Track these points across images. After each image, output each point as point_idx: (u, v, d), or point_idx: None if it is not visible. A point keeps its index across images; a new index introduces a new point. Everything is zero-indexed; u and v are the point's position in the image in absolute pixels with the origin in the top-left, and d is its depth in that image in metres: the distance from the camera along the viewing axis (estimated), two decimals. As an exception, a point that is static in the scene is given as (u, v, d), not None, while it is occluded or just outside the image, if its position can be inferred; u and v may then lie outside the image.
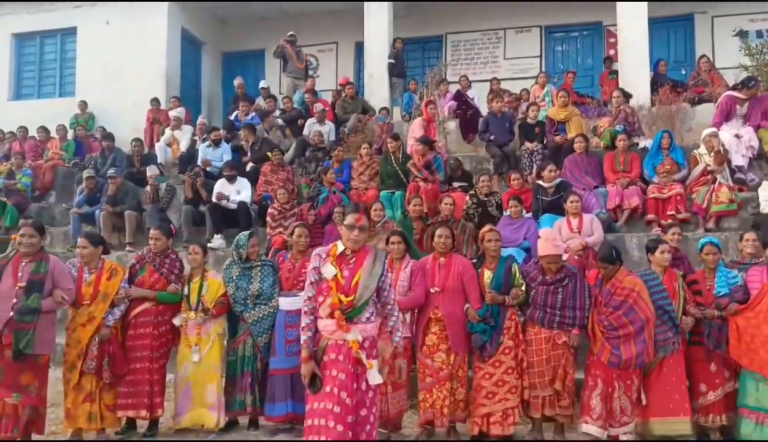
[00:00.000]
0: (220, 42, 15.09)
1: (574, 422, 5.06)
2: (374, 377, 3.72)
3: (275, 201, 8.30)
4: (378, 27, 12.06)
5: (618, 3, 10.88)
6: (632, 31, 10.76)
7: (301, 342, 3.81)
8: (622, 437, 4.85)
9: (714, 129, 7.93)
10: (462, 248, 6.63)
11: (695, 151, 7.95)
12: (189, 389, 5.35)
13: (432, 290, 5.07)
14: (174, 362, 5.56)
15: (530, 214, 7.54)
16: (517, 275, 5.15)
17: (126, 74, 12.96)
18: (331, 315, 3.71)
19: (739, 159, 7.88)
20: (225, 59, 15.33)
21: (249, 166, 9.83)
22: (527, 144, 8.99)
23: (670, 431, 4.89)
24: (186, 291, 5.46)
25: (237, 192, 8.85)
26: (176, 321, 5.40)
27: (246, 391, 5.39)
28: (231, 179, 8.92)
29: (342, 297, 3.71)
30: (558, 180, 7.60)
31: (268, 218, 8.10)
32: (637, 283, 4.85)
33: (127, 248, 8.85)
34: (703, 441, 5.04)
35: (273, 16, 14.18)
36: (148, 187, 9.24)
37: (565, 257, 6.56)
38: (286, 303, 5.40)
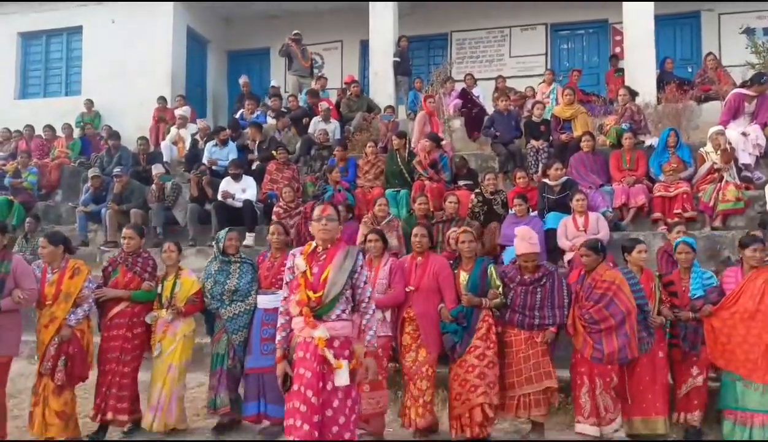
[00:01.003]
0: (226, 41, 15.12)
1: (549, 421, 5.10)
2: (340, 378, 3.59)
3: (281, 199, 8.31)
4: (383, 25, 12.06)
5: (624, 1, 10.83)
6: (638, 29, 10.72)
7: (276, 342, 3.79)
8: (613, 436, 4.80)
9: (720, 127, 7.90)
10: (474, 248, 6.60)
11: (702, 149, 7.92)
12: (150, 389, 5.29)
13: (407, 289, 5.06)
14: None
15: (536, 212, 7.52)
16: (494, 276, 5.08)
17: (131, 73, 13.01)
18: (301, 312, 3.64)
19: (745, 157, 7.84)
20: (230, 58, 15.37)
21: (255, 164, 9.84)
22: (533, 142, 8.96)
23: (644, 429, 4.92)
24: (159, 289, 5.39)
25: (242, 190, 8.86)
26: (147, 319, 5.32)
27: (218, 390, 5.31)
28: (236, 178, 8.93)
29: (310, 293, 3.64)
30: (564, 178, 7.58)
31: (273, 217, 8.10)
32: (617, 276, 4.85)
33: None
34: (684, 441, 5.04)
35: (278, 15, 14.19)
36: (153, 186, 9.26)
37: (570, 255, 6.58)
38: (263, 301, 5.34)
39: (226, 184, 8.87)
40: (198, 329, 5.61)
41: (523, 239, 5.08)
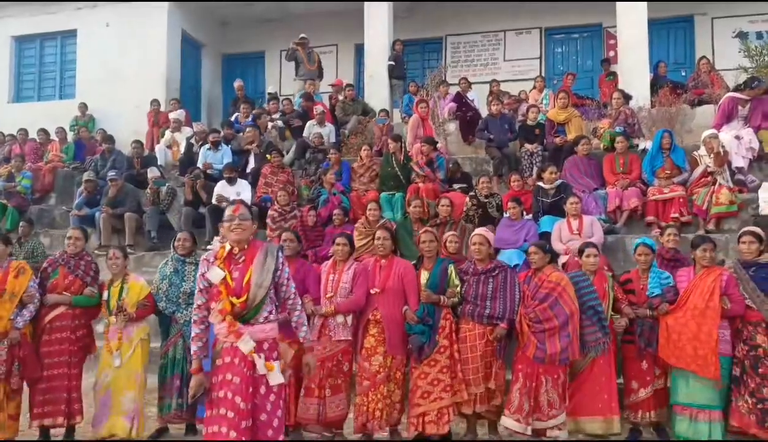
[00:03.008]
0: (220, 44, 15.11)
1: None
2: (275, 378, 3.52)
3: (275, 203, 8.30)
4: (378, 29, 12.06)
5: (618, 3, 10.88)
6: (632, 33, 10.76)
7: (192, 352, 3.63)
8: (550, 433, 4.87)
9: (714, 131, 7.93)
10: (462, 250, 6.62)
11: (695, 152, 7.94)
12: (108, 397, 5.13)
13: (372, 291, 5.07)
14: (95, 368, 5.37)
15: (530, 215, 7.54)
16: (453, 275, 5.18)
17: (126, 76, 12.98)
18: (224, 320, 3.51)
19: (739, 160, 7.86)
20: (225, 61, 15.36)
21: (249, 167, 9.83)
22: (527, 146, 8.98)
23: (600, 429, 4.98)
24: (106, 296, 5.25)
25: (237, 194, 8.82)
26: (99, 327, 5.21)
27: (173, 394, 5.24)
28: (231, 181, 8.92)
29: (234, 300, 3.50)
30: (558, 182, 7.61)
31: (268, 220, 8.10)
32: (563, 278, 4.99)
33: (127, 250, 8.84)
34: (634, 440, 5.14)
35: (273, 19, 14.21)
36: (148, 190, 9.24)
37: (565, 258, 6.60)
38: None
39: (221, 188, 8.86)
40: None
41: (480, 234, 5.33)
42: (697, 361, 4.75)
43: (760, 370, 4.72)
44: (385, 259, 5.22)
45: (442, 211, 7.18)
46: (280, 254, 3.69)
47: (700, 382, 4.78)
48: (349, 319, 5.10)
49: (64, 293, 5.27)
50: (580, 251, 5.39)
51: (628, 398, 5.12)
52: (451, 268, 5.23)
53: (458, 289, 5.15)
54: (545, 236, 7.00)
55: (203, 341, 3.63)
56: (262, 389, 3.50)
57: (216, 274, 3.56)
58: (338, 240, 5.37)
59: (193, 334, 3.65)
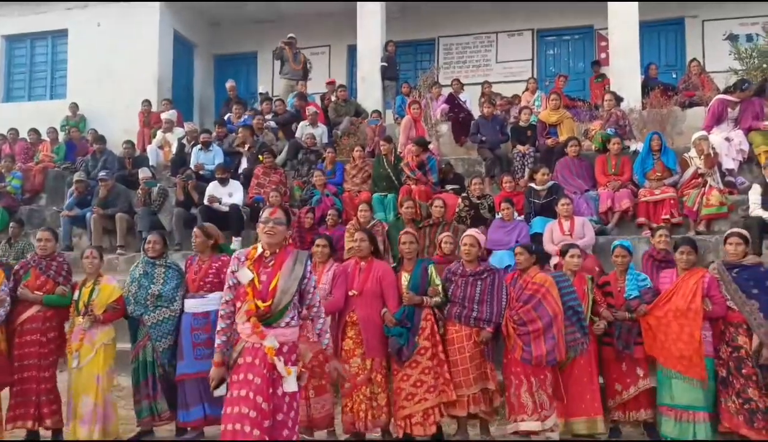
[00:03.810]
0: (213, 44, 15.07)
1: (495, 419, 5.19)
2: (290, 385, 3.58)
3: (267, 204, 8.28)
4: (370, 30, 12.07)
5: (609, 3, 10.93)
6: (623, 35, 10.81)
7: (216, 345, 3.70)
8: (543, 434, 4.87)
9: (704, 132, 7.97)
10: (455, 251, 6.63)
11: (686, 154, 7.99)
12: (71, 400, 5.10)
13: (350, 293, 5.05)
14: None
15: (522, 216, 7.56)
16: (433, 275, 5.17)
17: (118, 76, 12.93)
18: (249, 321, 3.57)
19: (729, 162, 7.91)
20: (217, 62, 15.32)
21: (242, 168, 9.81)
22: (519, 147, 9.01)
23: (585, 429, 5.02)
24: (76, 296, 5.22)
25: (229, 195, 8.83)
26: (67, 327, 5.16)
27: (153, 397, 5.19)
28: (223, 182, 8.90)
29: (259, 303, 3.56)
30: (550, 183, 7.64)
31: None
32: (547, 279, 5.01)
33: (118, 250, 8.83)
34: (617, 440, 5.17)
35: (265, 19, 14.18)
36: (139, 190, 9.20)
37: (556, 259, 6.61)
38: (192, 305, 5.23)
39: (213, 189, 8.83)
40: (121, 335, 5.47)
41: (471, 235, 5.31)
42: (682, 362, 4.80)
43: (743, 371, 4.77)
44: (364, 261, 5.19)
45: (436, 212, 7.19)
46: (309, 262, 3.75)
47: (685, 383, 4.81)
48: (328, 320, 5.02)
49: (36, 292, 5.23)
50: (563, 252, 5.41)
51: (612, 399, 5.16)
52: (431, 268, 5.22)
53: (439, 287, 5.13)
54: (537, 237, 7.03)
55: (227, 335, 3.70)
56: (280, 390, 3.57)
57: (245, 274, 3.62)
58: (317, 242, 5.37)
59: (218, 328, 3.71)
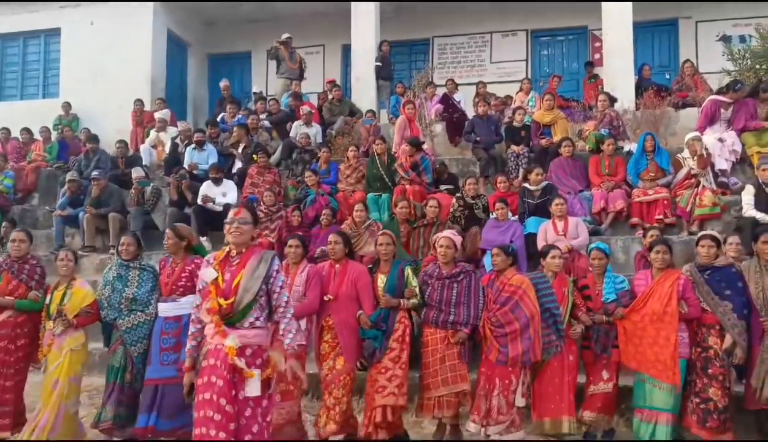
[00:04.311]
0: (206, 44, 15.03)
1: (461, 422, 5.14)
2: (251, 389, 3.49)
3: (261, 203, 8.27)
4: (365, 29, 12.05)
5: (603, 3, 10.96)
6: (617, 36, 10.83)
7: (186, 350, 3.67)
8: (494, 436, 4.84)
9: (697, 133, 8.00)
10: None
11: (679, 155, 8.02)
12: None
13: (326, 298, 4.95)
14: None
15: (516, 217, 7.57)
16: (410, 277, 5.11)
17: (111, 76, 12.86)
18: (212, 320, 3.54)
19: (722, 163, 7.94)
20: (211, 61, 15.29)
21: (236, 168, 9.78)
22: (513, 147, 9.02)
23: (554, 430, 5.01)
24: (48, 300, 5.06)
25: (223, 194, 8.81)
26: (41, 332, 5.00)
27: (105, 404, 4.97)
28: (217, 182, 8.88)
29: (221, 301, 3.52)
30: (544, 183, 7.64)
31: (254, 221, 8.04)
32: (524, 281, 4.99)
33: (111, 250, 8.78)
34: (610, 440, 5.18)
35: (259, 19, 14.15)
36: (132, 190, 9.17)
37: (561, 245, 6.61)
38: (164, 309, 5.02)
39: (207, 188, 8.81)
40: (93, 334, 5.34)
41: (446, 237, 5.21)
42: (657, 365, 4.79)
43: (709, 370, 4.78)
44: (338, 263, 5.10)
45: (431, 212, 7.19)
46: (275, 261, 3.68)
47: (658, 386, 4.80)
48: (303, 323, 4.89)
49: (8, 297, 5.10)
50: (544, 253, 5.36)
51: (584, 399, 5.15)
52: (408, 269, 5.16)
53: (416, 289, 5.06)
54: (531, 238, 7.03)
55: (198, 340, 3.66)
56: (241, 395, 3.50)
57: (209, 273, 3.60)
58: (290, 242, 5.21)
59: (189, 332, 3.69)
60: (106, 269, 5.44)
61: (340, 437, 4.88)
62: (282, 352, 3.68)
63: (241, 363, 3.48)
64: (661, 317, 4.82)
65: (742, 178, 7.99)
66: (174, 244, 5.11)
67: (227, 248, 3.71)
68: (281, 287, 3.68)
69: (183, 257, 5.10)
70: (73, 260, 5.26)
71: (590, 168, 8.27)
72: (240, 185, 9.16)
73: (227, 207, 8.53)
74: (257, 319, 3.60)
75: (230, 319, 3.53)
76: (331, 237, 5.19)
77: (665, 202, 7.53)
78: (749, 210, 6.88)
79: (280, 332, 3.73)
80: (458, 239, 5.35)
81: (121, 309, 5.03)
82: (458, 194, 7.86)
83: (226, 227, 3.65)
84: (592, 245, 5.53)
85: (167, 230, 5.25)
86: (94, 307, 5.11)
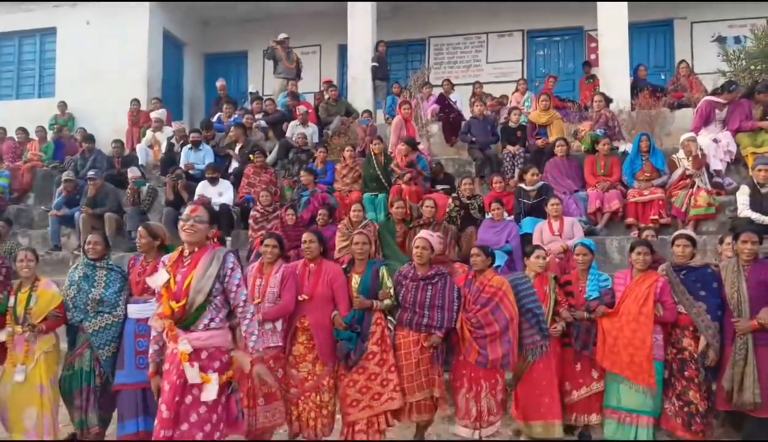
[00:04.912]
0: (203, 43, 15.03)
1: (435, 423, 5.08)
2: (208, 393, 3.34)
3: (257, 203, 8.27)
4: (361, 30, 12.06)
5: (599, 4, 10.98)
6: (613, 36, 10.86)
7: (149, 355, 3.61)
8: (486, 438, 4.81)
9: (692, 134, 8.03)
10: (446, 251, 6.65)
11: (674, 155, 8.04)
12: (5, 414, 4.72)
13: (300, 298, 4.82)
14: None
15: (512, 217, 7.59)
16: (385, 277, 4.98)
17: (107, 75, 12.83)
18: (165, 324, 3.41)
19: (717, 163, 7.97)
20: (207, 61, 15.27)
21: (232, 168, 9.78)
22: (509, 147, 9.04)
23: (546, 434, 4.96)
24: (12, 302, 4.82)
25: (219, 194, 8.81)
26: (2, 336, 4.77)
27: (87, 409, 4.81)
28: (213, 181, 8.88)
29: (173, 304, 3.38)
30: (540, 183, 7.66)
31: (250, 221, 8.07)
32: (504, 283, 4.91)
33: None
34: (604, 440, 5.09)
35: (256, 18, 14.15)
36: (128, 190, 9.16)
37: (556, 245, 6.64)
38: (135, 310, 4.84)
39: (203, 188, 8.81)
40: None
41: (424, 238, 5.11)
42: (631, 367, 4.74)
43: (686, 373, 4.76)
44: (313, 263, 4.99)
45: (427, 211, 7.19)
46: (228, 259, 3.52)
47: (632, 387, 4.77)
48: (279, 324, 4.82)
49: None
50: (528, 253, 5.34)
51: (563, 400, 5.10)
52: (383, 270, 5.03)
53: (391, 291, 4.94)
54: (526, 238, 7.05)
55: (159, 343, 3.58)
56: (189, 399, 3.37)
57: (159, 276, 3.47)
58: (266, 242, 5.00)
59: (152, 335, 3.62)
60: (71, 268, 5.23)
61: (330, 437, 4.87)
62: (245, 353, 3.55)
63: (192, 370, 3.33)
64: (636, 318, 4.77)
65: (737, 179, 8.02)
66: (147, 243, 4.94)
67: (180, 248, 3.57)
68: (238, 285, 3.52)
69: (155, 256, 4.86)
70: (34, 260, 5.00)
71: (586, 168, 8.29)
72: (236, 185, 9.16)
73: (223, 207, 8.54)
74: (212, 320, 3.46)
75: (184, 322, 3.40)
76: (306, 236, 5.05)
77: (660, 202, 7.55)
78: (744, 210, 6.89)
79: (243, 334, 3.57)
80: (435, 240, 5.20)
81: (88, 311, 4.84)
82: (454, 194, 7.88)
83: (180, 223, 3.50)
84: (577, 241, 5.49)
85: (140, 229, 5.05)
86: (62, 310, 4.92)
